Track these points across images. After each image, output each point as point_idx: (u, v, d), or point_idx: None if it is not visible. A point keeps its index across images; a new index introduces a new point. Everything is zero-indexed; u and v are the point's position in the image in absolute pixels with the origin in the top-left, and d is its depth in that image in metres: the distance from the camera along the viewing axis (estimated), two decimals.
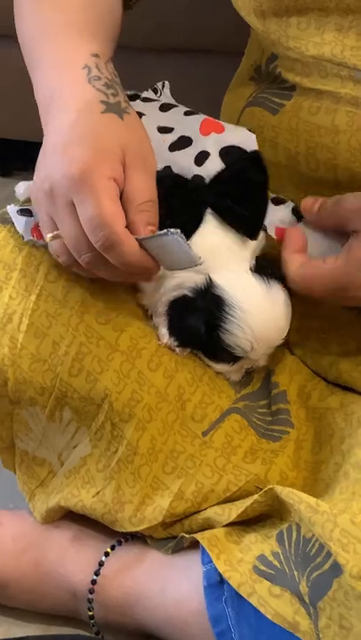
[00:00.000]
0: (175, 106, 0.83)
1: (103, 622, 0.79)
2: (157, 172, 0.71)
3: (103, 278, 0.72)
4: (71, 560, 0.81)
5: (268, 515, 0.74)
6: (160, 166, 0.74)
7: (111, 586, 0.78)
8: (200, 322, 0.73)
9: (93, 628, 0.80)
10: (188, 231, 0.71)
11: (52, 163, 0.69)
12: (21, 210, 0.78)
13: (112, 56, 0.77)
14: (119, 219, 0.66)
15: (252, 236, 0.74)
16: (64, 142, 0.69)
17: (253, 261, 0.75)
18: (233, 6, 0.81)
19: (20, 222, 0.77)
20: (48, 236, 0.70)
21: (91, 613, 0.79)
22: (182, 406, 0.76)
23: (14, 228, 0.78)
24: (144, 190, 0.68)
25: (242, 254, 0.74)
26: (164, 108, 0.82)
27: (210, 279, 0.73)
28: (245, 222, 0.74)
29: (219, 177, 0.75)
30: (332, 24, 0.73)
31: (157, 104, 0.83)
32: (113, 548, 0.80)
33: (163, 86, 0.88)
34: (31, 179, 0.80)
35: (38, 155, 0.82)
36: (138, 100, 0.83)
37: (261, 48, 0.82)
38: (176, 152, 0.77)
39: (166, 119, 0.80)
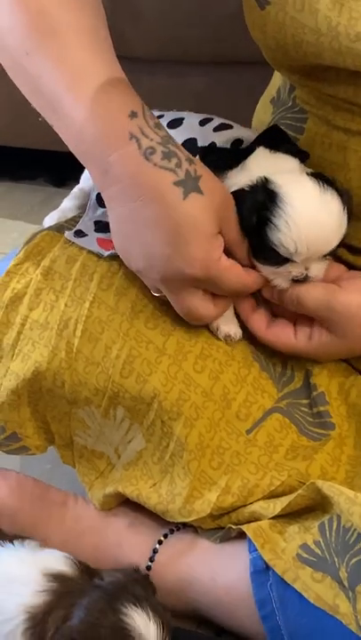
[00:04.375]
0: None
1: None
2: (202, 147, 0.77)
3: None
4: (128, 546, 0.85)
5: (311, 508, 0.77)
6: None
7: (165, 571, 0.82)
8: (253, 211, 0.73)
9: None
10: (240, 157, 0.76)
11: (160, 259, 0.71)
12: (75, 232, 0.84)
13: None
14: (251, 278, 0.75)
15: (304, 159, 0.77)
16: (166, 239, 0.70)
17: (308, 171, 0.76)
18: None
19: (86, 244, 0.83)
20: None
21: None
22: (228, 405, 0.80)
23: (67, 238, 0.84)
24: (231, 236, 0.74)
25: (293, 169, 0.76)
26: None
27: (265, 177, 0.73)
28: (297, 149, 0.78)
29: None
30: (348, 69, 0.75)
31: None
32: (166, 536, 0.84)
33: None
34: None
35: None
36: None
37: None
38: (221, 132, 0.80)
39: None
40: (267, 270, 0.76)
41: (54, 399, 0.82)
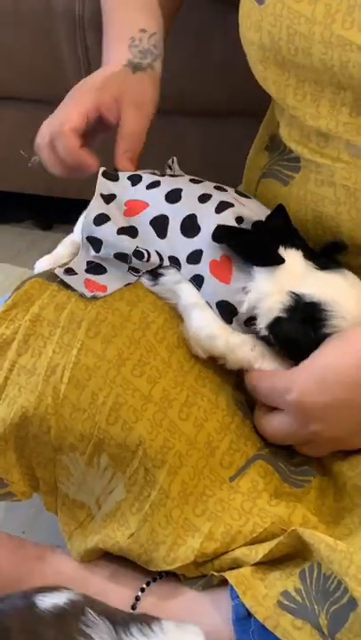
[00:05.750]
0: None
1: None
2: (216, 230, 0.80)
3: (140, 332, 0.82)
4: (110, 595, 0.85)
5: (292, 555, 0.78)
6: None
7: None
8: (309, 332, 0.78)
9: None
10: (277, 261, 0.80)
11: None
12: (66, 270, 0.85)
13: (162, 30, 0.95)
14: (72, 123, 0.87)
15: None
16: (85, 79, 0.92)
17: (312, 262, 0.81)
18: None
19: (73, 282, 0.85)
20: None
21: None
22: (211, 453, 0.81)
23: (57, 286, 0.85)
24: (130, 124, 0.90)
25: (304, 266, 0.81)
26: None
27: (295, 294, 0.79)
28: (308, 250, 0.82)
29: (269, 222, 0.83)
30: (326, 99, 0.79)
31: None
32: (148, 584, 0.84)
33: (172, 162, 0.95)
34: (70, 232, 0.93)
35: (75, 210, 0.93)
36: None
37: (275, 117, 0.89)
38: (222, 213, 0.82)
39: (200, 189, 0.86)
40: None
41: (40, 445, 0.83)
